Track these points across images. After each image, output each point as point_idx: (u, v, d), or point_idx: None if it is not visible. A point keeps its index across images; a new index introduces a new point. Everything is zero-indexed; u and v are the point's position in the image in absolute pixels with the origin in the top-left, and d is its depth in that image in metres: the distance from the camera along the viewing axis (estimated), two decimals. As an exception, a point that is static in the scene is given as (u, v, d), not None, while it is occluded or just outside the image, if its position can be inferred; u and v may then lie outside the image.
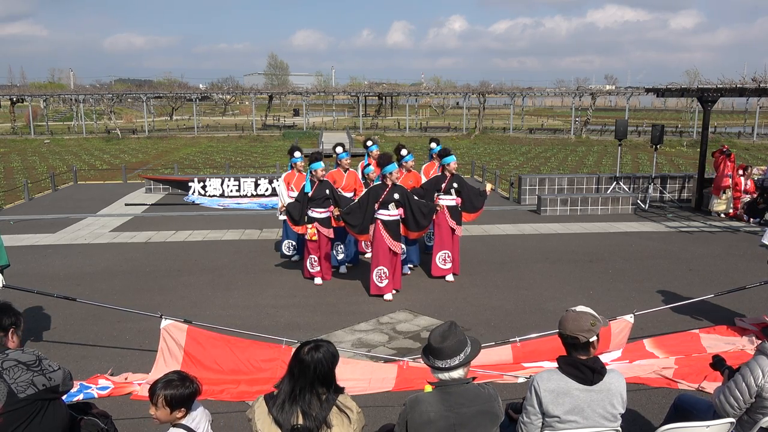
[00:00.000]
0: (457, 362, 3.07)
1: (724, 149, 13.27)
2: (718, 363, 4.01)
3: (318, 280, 8.39)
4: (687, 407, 3.99)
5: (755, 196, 12.85)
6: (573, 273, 8.91)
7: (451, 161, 8.38)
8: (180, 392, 3.01)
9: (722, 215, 13.05)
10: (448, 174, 8.40)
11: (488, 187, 8.64)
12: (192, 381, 3.08)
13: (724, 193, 13.00)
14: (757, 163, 18.59)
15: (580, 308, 3.36)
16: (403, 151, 9.11)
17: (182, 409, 3.05)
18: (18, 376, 3.21)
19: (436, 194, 8.40)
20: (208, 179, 15.87)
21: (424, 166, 9.52)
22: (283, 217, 8.44)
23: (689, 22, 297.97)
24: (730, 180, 12.89)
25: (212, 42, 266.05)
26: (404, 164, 9.01)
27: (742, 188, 12.98)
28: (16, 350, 3.40)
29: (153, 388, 3.03)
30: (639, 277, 8.73)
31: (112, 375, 5.60)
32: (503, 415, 3.20)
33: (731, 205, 13.00)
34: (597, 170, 21.91)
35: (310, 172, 8.24)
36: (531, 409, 3.29)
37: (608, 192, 14.69)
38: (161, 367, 5.44)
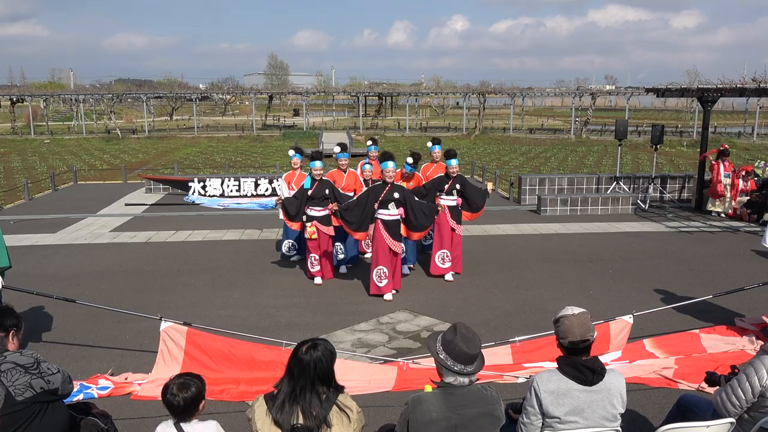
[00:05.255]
0: (478, 363, 3.08)
1: (722, 148, 13.25)
2: (712, 379, 4.00)
3: (318, 280, 8.39)
4: (690, 406, 3.99)
5: (751, 197, 12.82)
6: (573, 273, 8.91)
7: (454, 163, 8.34)
8: (183, 396, 3.07)
9: (722, 215, 13.06)
10: (451, 175, 8.38)
11: (489, 186, 8.63)
12: (189, 385, 3.11)
13: (720, 199, 13.06)
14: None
15: (575, 310, 3.31)
16: (409, 159, 8.85)
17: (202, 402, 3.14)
18: (16, 379, 3.21)
19: (437, 194, 8.40)
20: (208, 179, 15.87)
21: (422, 166, 9.52)
22: (282, 217, 8.45)
23: (690, 22, 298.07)
24: (728, 180, 12.91)
25: (212, 42, 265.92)
26: (405, 172, 8.93)
27: (739, 188, 12.97)
28: (14, 352, 3.39)
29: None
30: (639, 277, 8.73)
31: (112, 375, 5.60)
32: (504, 418, 3.19)
33: (730, 205, 13.01)
34: (597, 170, 21.91)
35: (310, 170, 8.29)
36: (531, 409, 3.29)
37: (608, 192, 14.69)
38: (161, 369, 5.45)
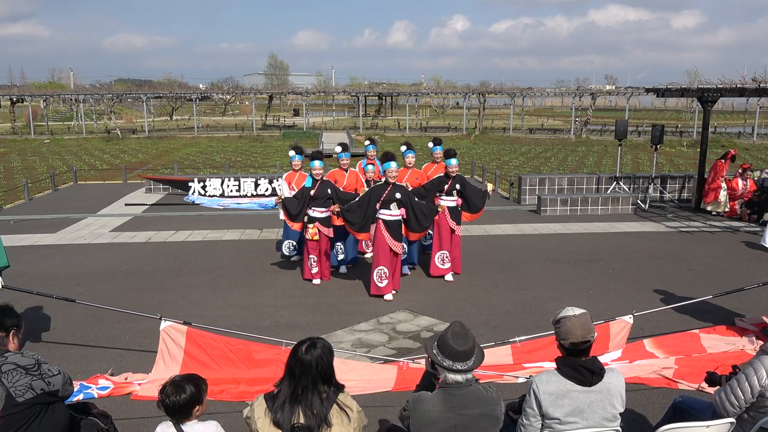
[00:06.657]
0: (472, 363, 3.08)
1: (733, 154, 13.17)
2: (712, 380, 4.00)
3: (317, 281, 8.38)
4: (686, 408, 3.99)
5: (752, 197, 12.81)
6: (573, 273, 8.91)
7: (454, 163, 8.35)
8: (173, 400, 3.04)
9: (722, 214, 13.05)
10: (451, 175, 8.39)
11: (489, 187, 8.64)
12: (183, 388, 3.07)
13: (715, 201, 13.08)
14: (757, 164, 18.58)
15: (576, 311, 3.30)
16: (402, 147, 9.11)
17: (197, 406, 3.11)
18: (17, 380, 3.21)
19: (437, 195, 8.40)
20: (208, 179, 15.87)
21: (424, 166, 9.52)
22: (282, 217, 8.45)
23: (691, 22, 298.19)
24: (723, 184, 12.91)
25: (212, 42, 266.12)
26: (404, 159, 9.02)
27: (739, 188, 12.96)
28: (15, 353, 3.39)
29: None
30: (639, 277, 8.72)
31: (112, 375, 5.60)
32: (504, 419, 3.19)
33: (728, 205, 13.02)
34: (597, 170, 21.90)
35: (310, 170, 8.29)
36: (530, 411, 3.29)
37: (608, 192, 14.69)
38: (161, 368, 5.45)
